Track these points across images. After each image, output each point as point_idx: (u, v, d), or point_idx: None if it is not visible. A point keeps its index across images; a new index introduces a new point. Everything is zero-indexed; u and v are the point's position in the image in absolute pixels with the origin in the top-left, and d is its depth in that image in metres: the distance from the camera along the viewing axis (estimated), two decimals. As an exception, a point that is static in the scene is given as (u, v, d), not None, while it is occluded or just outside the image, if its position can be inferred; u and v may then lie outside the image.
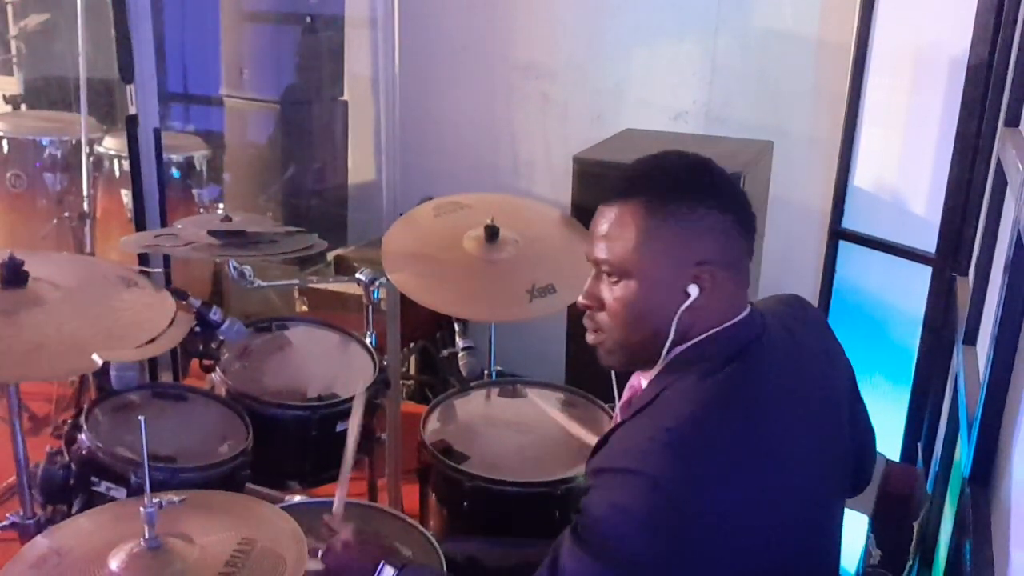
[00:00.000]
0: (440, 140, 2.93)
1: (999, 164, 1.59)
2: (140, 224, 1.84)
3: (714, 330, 0.97)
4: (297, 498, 1.51)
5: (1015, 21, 1.76)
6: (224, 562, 1.01)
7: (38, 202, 2.65)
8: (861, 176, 2.32)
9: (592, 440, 1.52)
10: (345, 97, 3.09)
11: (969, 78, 1.93)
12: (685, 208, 0.95)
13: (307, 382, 1.65)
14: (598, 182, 1.96)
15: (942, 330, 2.05)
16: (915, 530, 1.50)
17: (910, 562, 1.49)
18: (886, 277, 2.29)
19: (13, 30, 3.14)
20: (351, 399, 1.61)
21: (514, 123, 2.87)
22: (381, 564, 1.06)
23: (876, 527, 1.49)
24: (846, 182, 2.33)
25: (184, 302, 1.47)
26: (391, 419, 1.95)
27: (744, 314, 0.99)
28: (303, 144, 3.02)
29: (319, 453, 1.62)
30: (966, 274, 1.94)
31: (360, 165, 3.12)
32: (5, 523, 1.40)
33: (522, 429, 1.61)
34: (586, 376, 1.87)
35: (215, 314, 1.52)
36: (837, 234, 2.35)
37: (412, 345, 2.68)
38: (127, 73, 1.72)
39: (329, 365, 1.74)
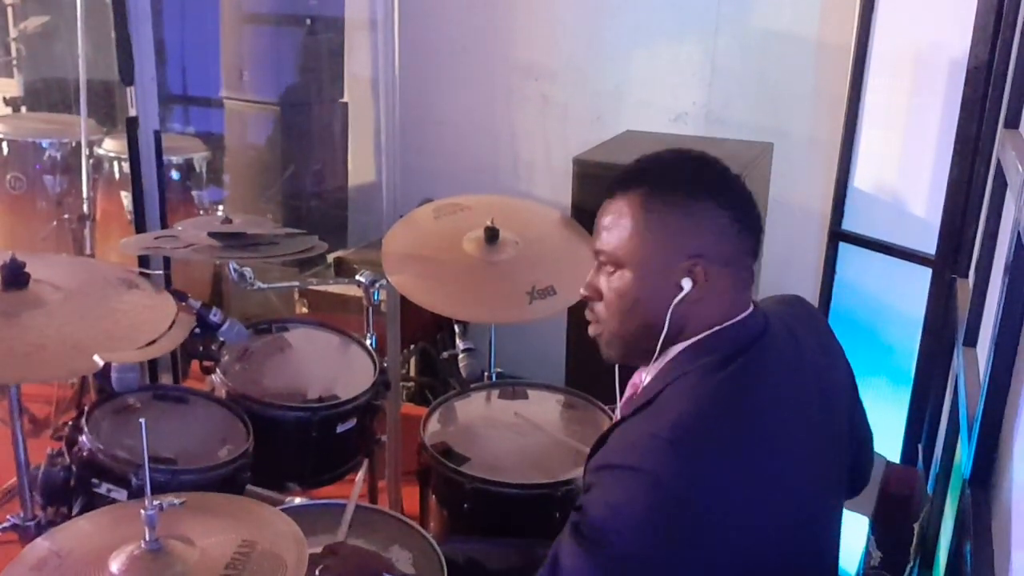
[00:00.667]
0: (440, 142, 2.93)
1: (999, 165, 1.59)
2: (140, 226, 1.84)
3: (716, 328, 0.97)
4: (297, 500, 1.51)
5: (1015, 23, 1.77)
6: (224, 564, 1.01)
7: (38, 204, 2.65)
8: (861, 178, 2.32)
9: (591, 442, 1.52)
10: (345, 99, 3.10)
11: (969, 80, 1.94)
12: (681, 201, 0.96)
13: (307, 384, 1.65)
14: (598, 184, 1.96)
15: (942, 332, 2.05)
16: (915, 531, 1.50)
17: (910, 563, 1.49)
18: (886, 279, 2.29)
19: (13, 32, 3.14)
20: (351, 400, 1.61)
21: (514, 125, 2.88)
22: None
23: (876, 528, 1.49)
24: (846, 184, 2.33)
25: (184, 304, 1.47)
26: (391, 421, 1.95)
27: (746, 313, 0.99)
28: (303, 146, 3.02)
29: (319, 455, 1.62)
30: (966, 276, 1.94)
31: (360, 167, 3.13)
32: (6, 525, 1.40)
33: (522, 431, 1.61)
34: (586, 378, 1.87)
35: (215, 316, 1.52)
36: (837, 235, 2.36)
37: (412, 347, 2.68)
38: (127, 75, 1.72)
39: (329, 367, 1.73)
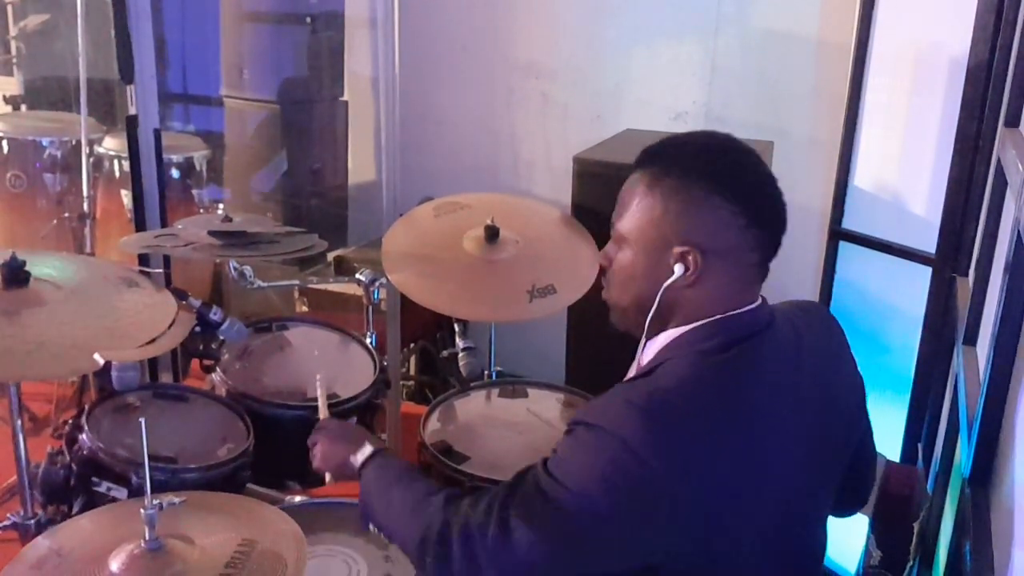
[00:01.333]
0: (440, 140, 2.93)
1: (999, 164, 1.59)
2: (140, 224, 1.84)
3: (717, 316, 0.97)
4: (297, 499, 1.51)
5: (1015, 21, 1.76)
6: (224, 563, 1.01)
7: (38, 202, 2.65)
8: (861, 176, 2.32)
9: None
10: (345, 97, 3.09)
11: (969, 78, 1.94)
12: (686, 187, 0.96)
13: (307, 382, 1.65)
14: (598, 182, 1.96)
15: (942, 330, 2.05)
16: (915, 531, 1.50)
17: (910, 563, 1.49)
18: (886, 278, 2.29)
19: (13, 30, 3.14)
20: (351, 399, 1.61)
21: (514, 123, 2.88)
22: (364, 443, 1.15)
23: (876, 527, 1.49)
24: (846, 182, 2.33)
25: (184, 302, 1.47)
26: (391, 419, 1.95)
27: (751, 306, 0.99)
28: (303, 144, 3.02)
29: (319, 453, 1.61)
30: (966, 274, 1.94)
31: (360, 165, 3.13)
32: (6, 523, 1.40)
33: (522, 430, 1.61)
34: (586, 376, 1.88)
35: (215, 314, 1.52)
36: (837, 234, 2.35)
37: (412, 345, 2.68)
38: (127, 73, 1.71)
39: (329, 366, 1.73)
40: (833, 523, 1.13)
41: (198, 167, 2.72)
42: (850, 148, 2.30)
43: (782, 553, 0.99)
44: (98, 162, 2.63)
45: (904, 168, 2.25)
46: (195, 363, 1.63)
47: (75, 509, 1.32)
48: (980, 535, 1.10)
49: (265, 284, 1.74)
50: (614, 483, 0.87)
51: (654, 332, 1.01)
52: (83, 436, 1.34)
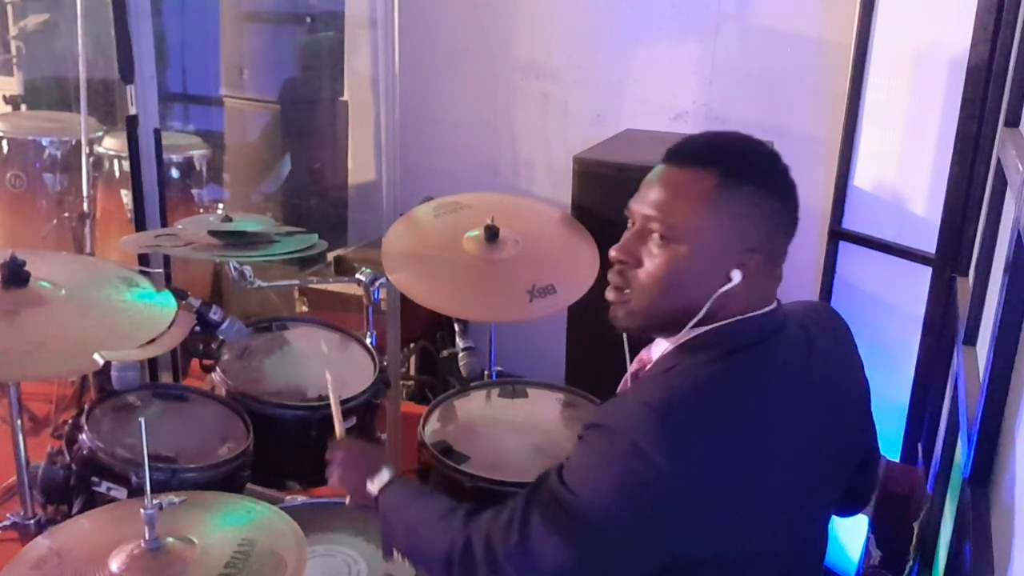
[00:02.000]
0: (440, 140, 2.92)
1: (999, 164, 1.59)
2: (140, 224, 1.84)
3: (737, 317, 0.96)
4: (298, 499, 1.51)
5: (1015, 21, 1.76)
6: (224, 563, 1.01)
7: (38, 202, 2.65)
8: (861, 176, 2.32)
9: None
10: (345, 97, 3.09)
11: (969, 78, 1.93)
12: (753, 191, 0.94)
13: (307, 382, 1.65)
14: (598, 182, 1.96)
15: (942, 331, 2.05)
16: (915, 531, 1.50)
17: (910, 563, 1.49)
18: (886, 277, 2.29)
19: (13, 30, 3.14)
20: (351, 399, 1.61)
21: (514, 123, 2.87)
22: (380, 468, 1.12)
23: (876, 527, 1.49)
24: (846, 182, 2.32)
25: (184, 302, 1.47)
26: (391, 419, 1.95)
27: (768, 308, 0.98)
28: (303, 144, 3.02)
29: (319, 453, 1.60)
30: (966, 274, 1.94)
31: (360, 165, 3.12)
32: (6, 523, 1.41)
33: (522, 429, 1.61)
34: (586, 376, 1.87)
35: (215, 314, 1.52)
36: (837, 234, 2.35)
37: (412, 345, 2.68)
38: (127, 73, 1.71)
39: (329, 365, 1.73)
40: (833, 523, 1.13)
41: (198, 167, 2.72)
42: (850, 148, 2.30)
43: (788, 552, 0.99)
44: (98, 162, 2.63)
45: (904, 168, 2.24)
46: (195, 363, 1.63)
47: (75, 509, 1.32)
48: (980, 535, 1.10)
49: (265, 284, 1.74)
50: (628, 488, 0.86)
51: (674, 333, 0.98)
52: (83, 436, 1.34)
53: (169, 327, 1.35)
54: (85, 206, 2.47)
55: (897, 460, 2.18)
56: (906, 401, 2.17)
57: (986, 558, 1.06)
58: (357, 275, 1.79)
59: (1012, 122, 1.56)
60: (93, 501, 1.31)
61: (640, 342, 1.09)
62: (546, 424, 1.63)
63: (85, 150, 2.46)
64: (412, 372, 2.76)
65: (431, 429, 1.58)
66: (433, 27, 2.84)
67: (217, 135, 3.08)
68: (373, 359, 1.73)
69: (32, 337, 1.23)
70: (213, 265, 2.66)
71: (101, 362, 1.24)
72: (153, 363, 1.91)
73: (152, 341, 1.31)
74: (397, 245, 1.74)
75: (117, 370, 1.43)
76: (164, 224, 1.84)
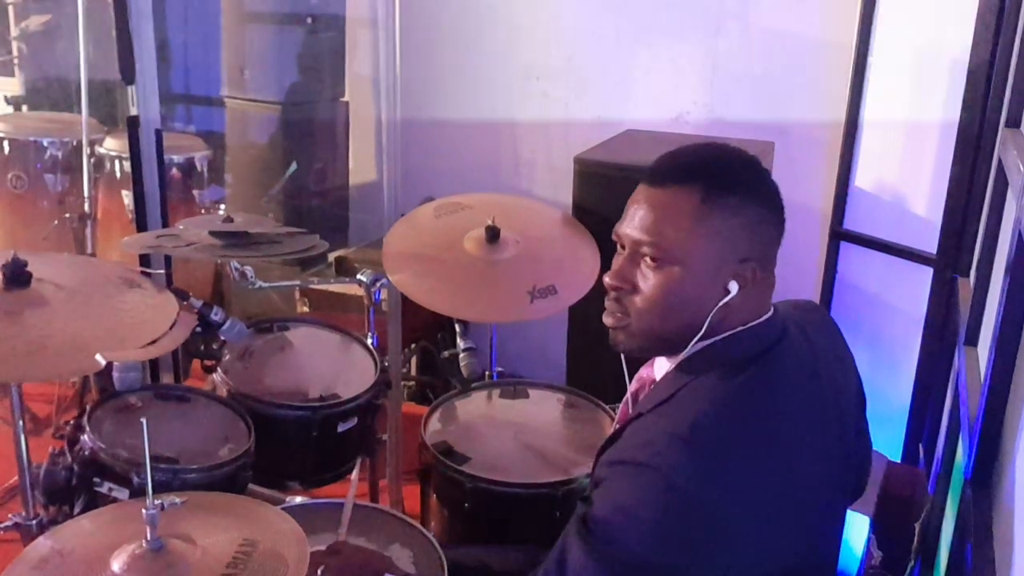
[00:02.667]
0: (441, 140, 2.93)
1: (1000, 165, 1.59)
2: (141, 225, 1.84)
3: (739, 329, 0.96)
4: (299, 499, 1.51)
5: (1016, 22, 1.76)
6: (226, 564, 1.01)
7: (39, 203, 2.65)
8: (862, 177, 2.32)
9: (592, 441, 1.52)
10: (346, 97, 3.09)
11: (970, 79, 1.94)
12: (740, 202, 0.93)
13: (308, 383, 1.65)
14: (599, 182, 1.96)
15: (943, 331, 2.05)
16: (916, 531, 1.50)
17: (911, 563, 1.49)
18: (887, 278, 2.29)
19: (14, 31, 3.14)
20: (352, 399, 1.61)
21: (515, 124, 2.87)
22: None
23: (877, 528, 1.49)
24: (847, 183, 2.33)
25: (185, 303, 1.47)
26: (392, 420, 1.95)
27: (767, 316, 0.98)
28: (304, 145, 3.02)
29: (321, 454, 1.62)
30: (967, 275, 1.94)
31: (361, 166, 3.13)
32: (7, 524, 1.40)
33: (523, 430, 1.61)
34: (587, 377, 1.87)
35: (216, 315, 1.52)
36: (838, 235, 2.35)
37: (413, 346, 2.68)
38: (128, 74, 1.71)
39: (330, 366, 1.73)
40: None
41: (199, 167, 2.72)
42: (851, 148, 2.30)
43: (811, 562, 0.99)
44: (99, 163, 2.63)
45: (905, 168, 2.25)
46: (196, 364, 1.63)
47: (76, 509, 1.32)
48: (981, 536, 1.10)
49: (266, 285, 1.73)
50: (668, 526, 0.84)
51: (678, 351, 0.97)
52: (84, 437, 1.34)
53: (170, 328, 1.35)
54: (86, 207, 2.47)
55: (898, 461, 2.18)
56: (907, 402, 2.17)
57: (987, 558, 1.06)
58: (358, 276, 1.79)
59: (1013, 122, 1.56)
60: (95, 502, 1.31)
61: (638, 359, 1.07)
62: (547, 425, 1.63)
63: (86, 151, 2.46)
64: (413, 373, 2.76)
65: (432, 430, 1.58)
66: (434, 27, 2.84)
67: (218, 136, 3.08)
68: (374, 360, 1.73)
69: (34, 338, 1.23)
70: (214, 266, 2.66)
71: (103, 363, 1.24)
72: (155, 364, 1.91)
73: (154, 342, 1.31)
74: (398, 246, 1.74)
75: (119, 371, 1.42)
76: (165, 225, 1.84)
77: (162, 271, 1.67)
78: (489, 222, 1.71)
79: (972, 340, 1.60)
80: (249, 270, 1.68)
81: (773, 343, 0.96)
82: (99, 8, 2.31)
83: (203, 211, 2.70)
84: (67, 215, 2.57)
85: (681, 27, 2.57)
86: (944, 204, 2.04)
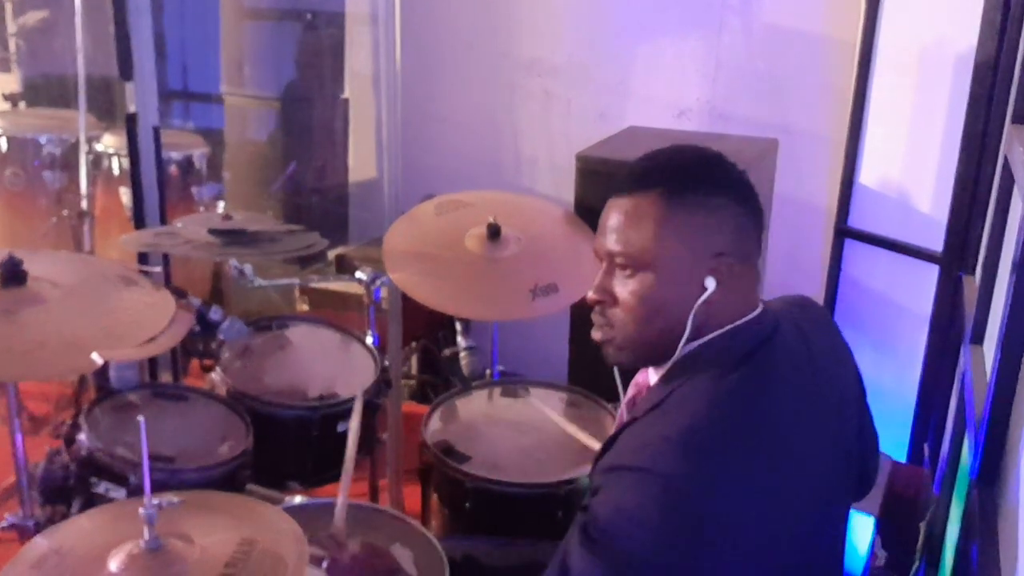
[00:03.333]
0: (442, 138, 2.92)
1: (1006, 162, 1.58)
2: (139, 222, 1.83)
3: (728, 327, 0.96)
4: (298, 499, 1.50)
5: (1022, 18, 1.75)
6: (224, 563, 1.00)
7: (37, 200, 2.64)
8: (867, 174, 2.31)
9: (594, 441, 1.51)
10: (346, 95, 3.08)
11: (976, 75, 1.93)
12: (702, 198, 0.94)
13: (308, 382, 1.64)
14: (601, 180, 1.95)
15: (949, 329, 2.04)
16: (921, 531, 1.49)
17: (916, 563, 1.48)
18: (892, 276, 2.28)
19: (12, 27, 3.13)
20: (352, 399, 1.60)
21: (516, 120, 2.86)
22: None
23: (882, 528, 1.48)
24: (852, 180, 2.32)
25: (184, 301, 1.46)
26: (392, 419, 1.94)
27: (757, 312, 0.98)
28: (304, 142, 3.01)
29: (320, 453, 1.61)
30: (973, 273, 1.93)
31: (361, 163, 3.11)
32: (4, 523, 1.40)
33: (524, 429, 1.60)
34: (589, 376, 1.86)
35: (215, 313, 1.51)
36: (843, 232, 2.34)
37: (413, 344, 2.67)
38: (126, 71, 1.70)
39: (330, 365, 1.73)
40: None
41: (198, 165, 2.70)
42: (856, 145, 2.29)
43: (814, 560, 0.98)
44: (97, 160, 2.62)
45: (910, 166, 2.23)
46: (195, 362, 1.62)
47: (74, 509, 1.31)
48: (986, 536, 1.09)
49: (265, 283, 1.73)
50: (666, 529, 0.84)
51: (668, 358, 0.96)
52: (82, 436, 1.33)
53: (168, 326, 1.34)
54: (84, 204, 2.46)
55: (903, 461, 2.17)
56: (912, 401, 2.16)
57: (993, 558, 1.05)
58: (358, 274, 1.78)
59: (1019, 119, 1.55)
60: (92, 501, 1.30)
61: (630, 370, 1.07)
62: (549, 424, 1.62)
63: (84, 148, 2.45)
64: (413, 371, 2.76)
65: (433, 429, 1.57)
66: (435, 24, 2.83)
67: (217, 133, 3.07)
68: (374, 358, 1.72)
69: (31, 336, 1.22)
70: (213, 264, 2.65)
71: (100, 361, 1.23)
72: (153, 362, 1.90)
73: (151, 340, 1.30)
74: (398, 243, 1.73)
75: (116, 369, 1.42)
76: (164, 222, 1.83)
77: (160, 269, 1.67)
78: (490, 220, 1.70)
79: (978, 339, 1.59)
80: (248, 268, 1.67)
81: (764, 340, 0.96)
82: (97, 4, 2.30)
83: (202, 209, 2.69)
84: (65, 212, 2.56)
85: (684, 23, 2.56)
86: (950, 201, 2.03)
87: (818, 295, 2.37)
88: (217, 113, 3.09)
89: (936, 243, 2.07)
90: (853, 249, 2.34)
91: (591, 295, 0.99)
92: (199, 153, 2.72)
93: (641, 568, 0.85)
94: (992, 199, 1.76)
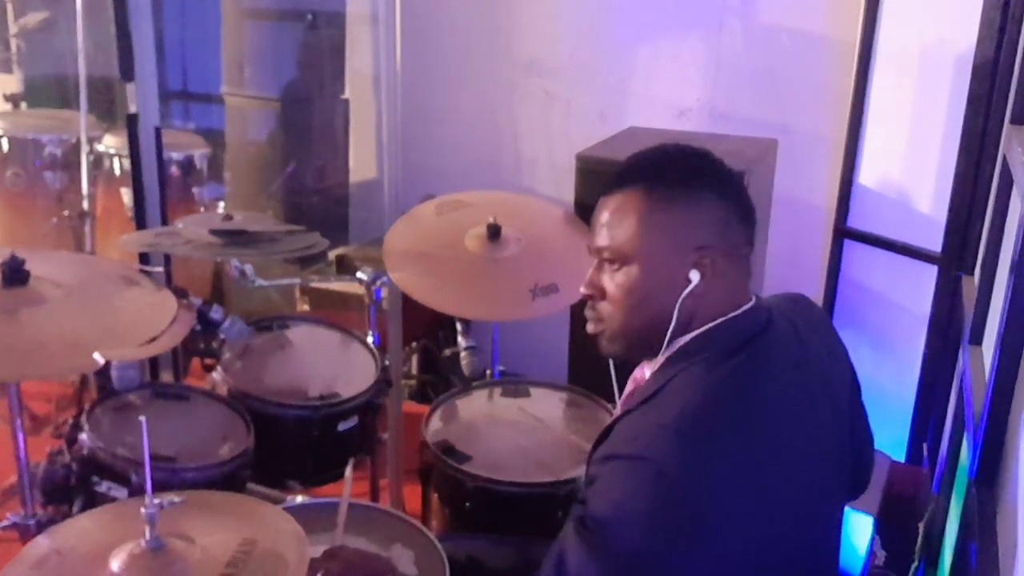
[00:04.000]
0: (442, 138, 2.92)
1: (1005, 162, 1.58)
2: (140, 223, 1.83)
3: (719, 320, 0.97)
4: (299, 498, 1.50)
5: (1021, 18, 1.75)
6: (225, 563, 1.00)
7: (38, 201, 2.64)
8: (866, 174, 2.31)
9: (594, 439, 1.51)
10: (346, 95, 3.08)
11: (975, 75, 1.93)
12: (683, 193, 0.96)
13: (309, 382, 1.65)
14: (601, 180, 1.92)
15: (948, 329, 2.05)
16: (920, 531, 1.49)
17: (915, 563, 1.49)
18: (891, 276, 2.28)
19: (13, 28, 3.13)
20: (353, 399, 1.60)
21: (517, 121, 2.86)
22: None
23: (881, 528, 1.48)
24: (851, 180, 2.32)
25: (185, 301, 1.46)
26: (393, 419, 1.94)
27: (749, 305, 0.99)
28: (304, 142, 3.02)
29: (321, 453, 1.61)
30: (972, 273, 1.93)
31: (361, 163, 3.12)
32: (6, 523, 1.40)
33: (525, 429, 1.60)
34: (589, 375, 1.86)
35: (216, 313, 1.51)
36: (842, 233, 2.35)
37: (414, 344, 2.67)
38: (127, 71, 1.71)
39: (331, 364, 1.73)
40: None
41: (198, 165, 2.70)
42: (855, 146, 2.29)
43: (807, 556, 0.98)
44: (98, 160, 2.62)
45: (909, 166, 2.24)
46: (196, 362, 1.62)
47: (75, 509, 1.32)
48: (985, 535, 1.10)
49: (266, 283, 1.73)
50: (660, 517, 0.85)
51: (658, 351, 0.98)
52: (83, 435, 1.33)
53: (169, 326, 1.34)
54: (85, 204, 2.46)
55: (902, 461, 2.17)
56: (911, 400, 2.16)
57: (991, 558, 1.05)
58: (358, 274, 1.78)
59: (1018, 119, 1.55)
60: (93, 501, 1.30)
61: (626, 366, 1.09)
62: (549, 423, 1.62)
63: (85, 148, 2.46)
64: (414, 371, 2.76)
65: (433, 429, 1.58)
66: (435, 24, 2.83)
67: (218, 133, 3.07)
68: (375, 358, 1.72)
69: (32, 336, 1.23)
70: (214, 264, 2.65)
71: (101, 361, 1.23)
72: (154, 362, 1.90)
73: (152, 340, 1.31)
74: (399, 244, 1.73)
75: (117, 369, 1.42)
76: (164, 223, 1.83)
77: (161, 269, 1.67)
78: (490, 220, 1.70)
79: (977, 339, 1.59)
80: (249, 268, 1.67)
81: (757, 333, 0.97)
82: (98, 5, 2.30)
83: (202, 209, 2.69)
84: (66, 213, 2.56)
85: (684, 23, 2.56)
86: (949, 202, 2.03)
87: (817, 295, 2.37)
88: (218, 113, 3.09)
89: (935, 243, 2.08)
90: (852, 249, 2.34)
91: (582, 289, 1.02)
92: (200, 153, 2.72)
93: (635, 555, 0.86)
94: (991, 199, 1.76)
